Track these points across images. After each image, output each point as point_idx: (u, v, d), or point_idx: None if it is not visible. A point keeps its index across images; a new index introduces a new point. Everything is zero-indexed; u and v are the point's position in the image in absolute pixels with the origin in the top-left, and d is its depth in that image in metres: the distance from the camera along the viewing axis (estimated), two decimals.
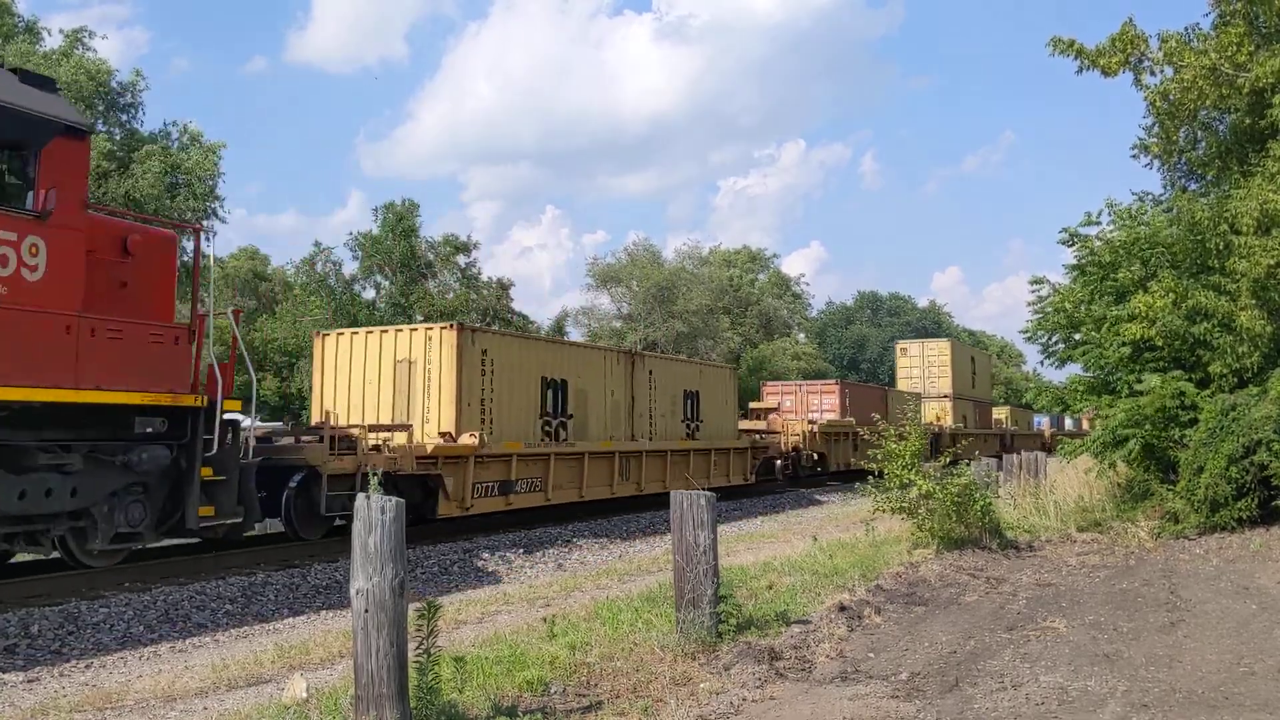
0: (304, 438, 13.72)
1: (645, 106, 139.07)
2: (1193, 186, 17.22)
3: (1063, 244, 16.30)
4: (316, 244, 59.80)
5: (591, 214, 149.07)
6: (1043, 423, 63.01)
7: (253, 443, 11.51)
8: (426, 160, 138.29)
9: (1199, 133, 16.51)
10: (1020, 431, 52.81)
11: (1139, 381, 14.11)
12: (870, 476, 12.60)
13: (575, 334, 59.53)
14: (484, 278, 52.86)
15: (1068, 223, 16.15)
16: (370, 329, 17.05)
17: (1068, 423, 69.83)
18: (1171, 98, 14.50)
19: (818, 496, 26.94)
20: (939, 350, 44.82)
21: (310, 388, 18.98)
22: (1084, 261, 15.89)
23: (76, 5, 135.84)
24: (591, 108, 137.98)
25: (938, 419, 39.28)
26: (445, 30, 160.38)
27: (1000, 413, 54.04)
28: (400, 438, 14.60)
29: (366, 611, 4.83)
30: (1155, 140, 16.30)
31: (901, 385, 43.26)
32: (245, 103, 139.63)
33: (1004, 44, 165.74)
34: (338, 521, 13.86)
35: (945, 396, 42.51)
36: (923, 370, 43.85)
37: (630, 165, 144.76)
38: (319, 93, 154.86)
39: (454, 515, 15.34)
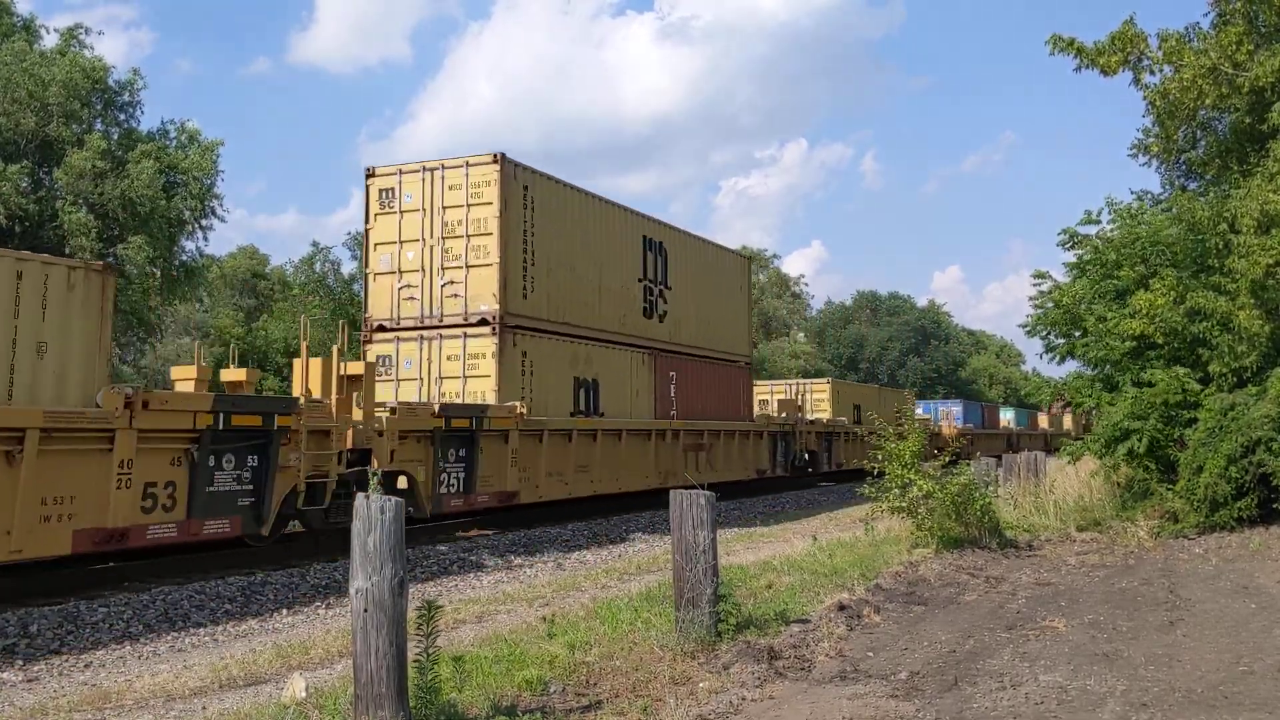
0: None
1: (647, 107, 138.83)
2: (1192, 186, 17.24)
3: (1062, 245, 16.32)
4: (315, 244, 59.81)
5: None
6: (940, 413, 45.26)
7: None
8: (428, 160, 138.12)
9: (1198, 132, 16.53)
10: (856, 428, 30.03)
11: (1144, 375, 14.11)
12: (869, 476, 12.59)
13: None
14: None
15: (1067, 222, 16.17)
16: None
17: (1005, 414, 57.34)
18: (1171, 97, 14.51)
19: None
20: (479, 184, 17.04)
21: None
22: (1085, 260, 15.90)
23: (81, 5, 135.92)
24: (593, 108, 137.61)
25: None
26: (448, 30, 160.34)
27: (803, 389, 34.17)
28: None
29: (366, 611, 4.83)
30: (1154, 140, 16.32)
31: (376, 295, 17.54)
32: (248, 103, 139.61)
33: (1004, 43, 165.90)
34: None
35: (481, 324, 16.66)
36: (430, 248, 17.21)
37: (631, 165, 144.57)
38: (321, 93, 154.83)
39: None
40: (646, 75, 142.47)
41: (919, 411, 45.13)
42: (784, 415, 28.02)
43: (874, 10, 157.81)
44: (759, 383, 38.01)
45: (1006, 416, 59.27)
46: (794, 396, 31.83)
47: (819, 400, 34.59)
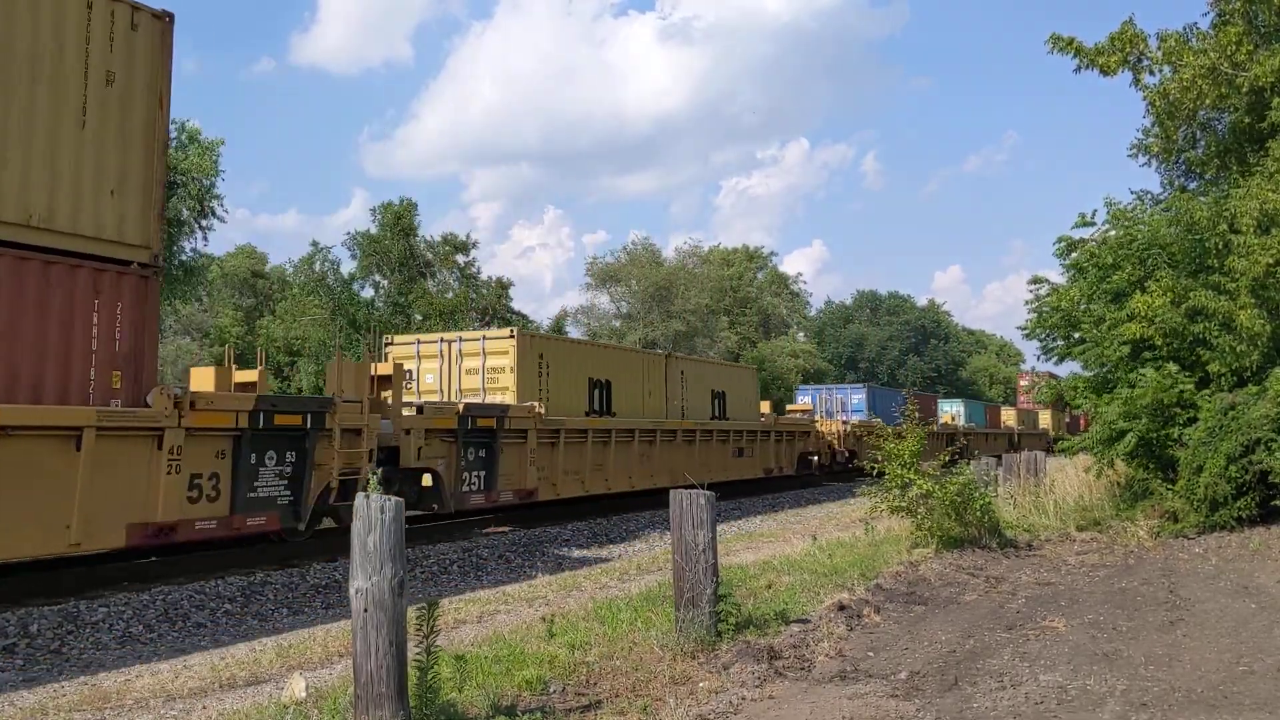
0: None
1: (648, 107, 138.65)
2: (1191, 186, 17.24)
3: (1059, 255, 16.26)
4: (314, 244, 59.79)
5: (594, 214, 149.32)
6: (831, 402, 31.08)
7: None
8: (429, 160, 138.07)
9: (1198, 132, 16.53)
10: (587, 423, 19.09)
11: (1138, 376, 14.11)
12: (869, 476, 12.60)
13: (574, 333, 59.63)
14: (483, 277, 52.91)
15: (1069, 221, 16.16)
16: None
17: (948, 408, 43.86)
18: (1171, 97, 14.52)
19: None
20: None
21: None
22: (1081, 262, 15.89)
23: None
24: (595, 108, 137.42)
25: None
26: (450, 30, 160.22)
27: (443, 349, 19.19)
28: None
29: (366, 611, 4.83)
30: (1154, 140, 16.34)
31: None
32: (251, 104, 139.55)
33: (1007, 43, 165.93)
34: None
35: None
36: None
37: (633, 165, 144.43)
38: (323, 93, 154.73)
39: None
40: (648, 76, 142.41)
41: (802, 399, 35.00)
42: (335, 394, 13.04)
43: (877, 10, 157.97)
44: (401, 340, 19.95)
45: (950, 410, 44.86)
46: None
47: (498, 371, 18.38)
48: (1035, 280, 16.72)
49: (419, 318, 45.47)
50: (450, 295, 50.06)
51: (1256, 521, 12.44)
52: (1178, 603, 8.66)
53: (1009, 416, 57.67)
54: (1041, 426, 61.92)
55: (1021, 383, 64.90)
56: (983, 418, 49.35)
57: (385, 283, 51.18)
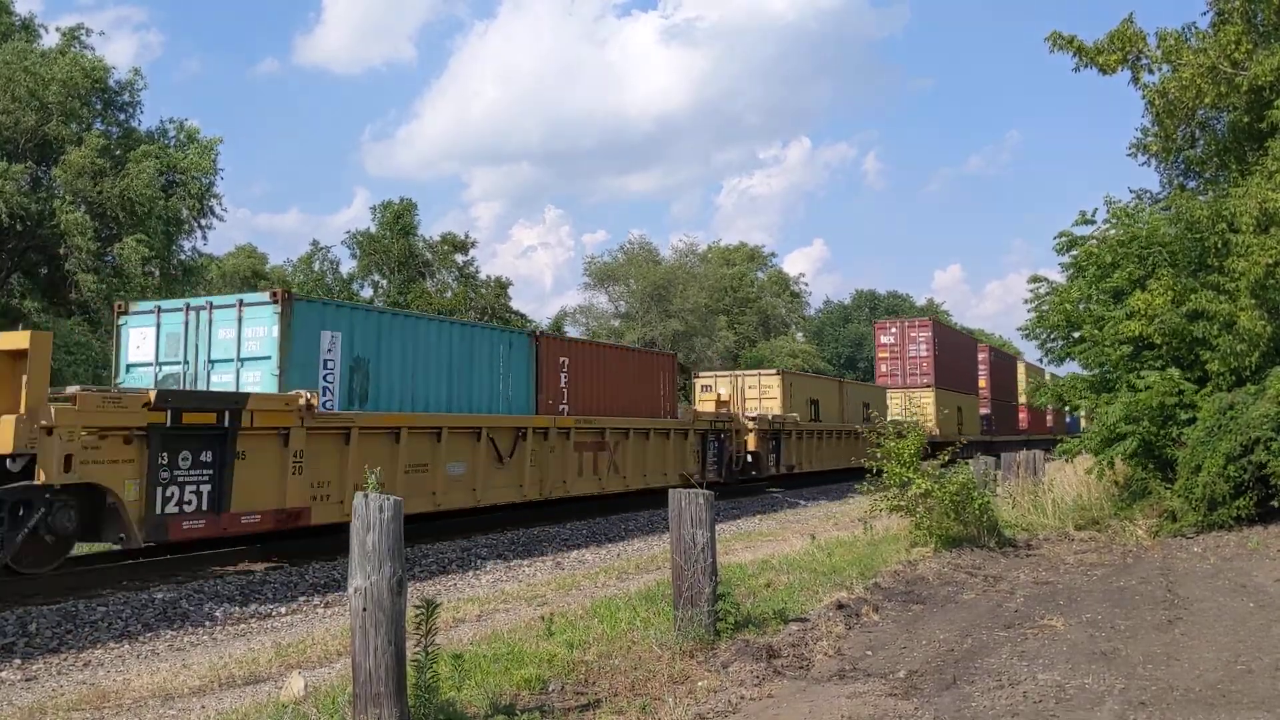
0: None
1: (650, 106, 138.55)
2: (1191, 185, 17.22)
3: (1058, 251, 16.24)
4: (314, 243, 59.73)
5: (594, 214, 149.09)
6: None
7: None
8: (431, 160, 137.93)
9: (1197, 131, 16.51)
10: None
11: (1139, 379, 14.09)
12: (868, 475, 12.60)
13: (574, 332, 59.67)
14: (482, 276, 52.95)
15: (1070, 220, 16.10)
16: None
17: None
18: (1170, 96, 14.51)
19: None
20: None
21: None
22: (1080, 260, 15.88)
23: (91, 6, 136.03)
24: (596, 108, 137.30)
25: None
26: (453, 30, 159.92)
27: None
28: None
29: (365, 610, 4.83)
30: (1153, 139, 16.31)
31: None
32: (254, 104, 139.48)
33: (1010, 42, 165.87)
34: None
35: None
36: None
37: (634, 165, 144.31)
38: (325, 93, 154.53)
39: None
40: (650, 75, 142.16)
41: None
42: None
43: (879, 10, 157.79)
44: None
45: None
46: None
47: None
48: (1035, 279, 16.73)
49: None
50: (449, 295, 50.07)
51: (1255, 521, 12.45)
52: (1176, 602, 8.66)
53: (761, 388, 29.40)
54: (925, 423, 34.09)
55: (881, 338, 41.16)
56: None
57: (384, 282, 51.21)
